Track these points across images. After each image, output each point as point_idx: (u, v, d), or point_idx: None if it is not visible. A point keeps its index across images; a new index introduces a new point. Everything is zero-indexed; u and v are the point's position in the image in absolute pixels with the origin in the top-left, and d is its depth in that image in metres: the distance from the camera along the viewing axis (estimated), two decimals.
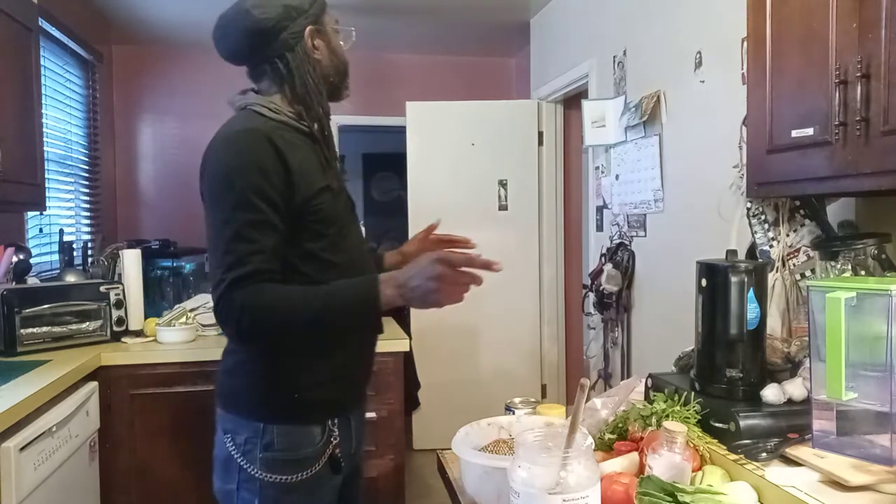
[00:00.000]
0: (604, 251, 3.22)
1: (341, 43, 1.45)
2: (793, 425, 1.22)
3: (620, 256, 3.03)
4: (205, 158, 1.30)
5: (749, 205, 1.73)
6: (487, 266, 1.17)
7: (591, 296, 3.27)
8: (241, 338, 1.24)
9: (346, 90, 1.49)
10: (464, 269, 1.16)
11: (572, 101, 3.95)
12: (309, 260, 1.30)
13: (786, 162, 1.42)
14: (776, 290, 1.61)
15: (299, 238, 1.28)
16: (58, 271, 2.88)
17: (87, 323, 2.46)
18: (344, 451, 1.39)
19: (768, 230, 1.68)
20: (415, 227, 4.08)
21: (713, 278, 1.34)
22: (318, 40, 1.39)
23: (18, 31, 2.39)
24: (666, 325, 2.66)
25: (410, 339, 2.67)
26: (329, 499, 1.39)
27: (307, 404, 1.33)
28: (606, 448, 1.27)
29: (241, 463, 1.31)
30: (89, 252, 2.98)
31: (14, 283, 2.50)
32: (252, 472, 1.30)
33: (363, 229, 3.07)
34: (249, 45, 1.35)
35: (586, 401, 1.18)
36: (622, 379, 2.84)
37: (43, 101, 2.71)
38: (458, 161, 4.07)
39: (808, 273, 1.58)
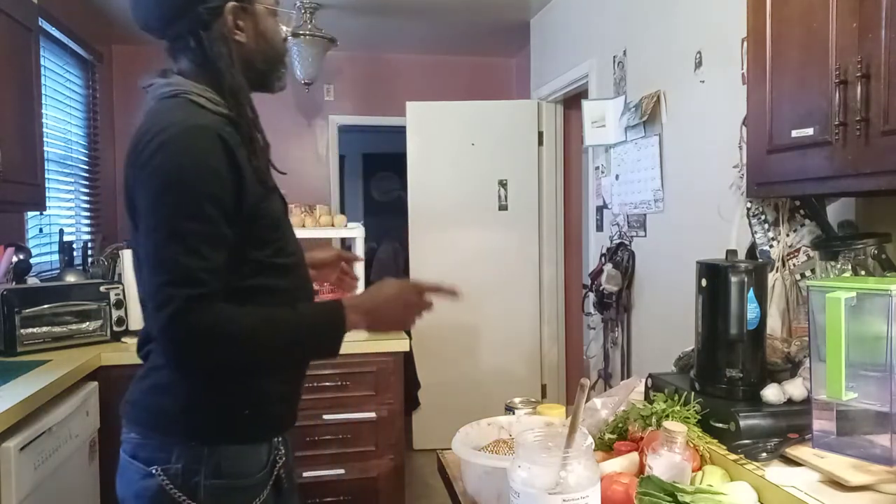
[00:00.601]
0: (604, 251, 3.22)
1: (283, 28, 1.27)
2: (793, 425, 1.22)
3: (620, 256, 3.03)
4: (139, 152, 1.09)
5: (749, 205, 1.73)
6: (452, 293, 1.20)
7: (591, 296, 3.27)
8: (192, 363, 1.08)
9: (278, 81, 1.28)
10: (440, 288, 1.19)
11: (572, 101, 3.95)
12: (259, 270, 1.16)
13: (786, 162, 1.42)
14: (776, 290, 1.61)
15: (246, 248, 1.14)
16: (58, 271, 2.88)
17: (87, 323, 2.46)
18: (286, 471, 1.26)
19: (768, 230, 1.68)
20: (415, 227, 4.08)
21: (713, 278, 1.34)
22: (242, 20, 1.19)
23: (18, 31, 2.39)
24: (666, 325, 2.66)
25: (410, 339, 2.67)
26: None
27: (257, 421, 1.18)
28: (606, 448, 1.27)
29: (178, 497, 1.11)
30: (89, 252, 2.98)
31: (14, 283, 2.50)
32: (202, 499, 1.12)
33: (363, 229, 3.10)
34: (161, 16, 1.18)
35: (586, 401, 1.18)
36: (622, 379, 2.84)
37: (43, 101, 2.71)
38: (458, 161, 4.07)
39: (808, 273, 1.58)
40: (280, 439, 1.24)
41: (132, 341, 2.52)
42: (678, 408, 1.26)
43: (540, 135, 4.12)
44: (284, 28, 1.26)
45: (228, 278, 1.10)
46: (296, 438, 1.39)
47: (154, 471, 1.13)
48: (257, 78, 1.24)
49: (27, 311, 2.29)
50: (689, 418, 1.24)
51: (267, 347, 1.11)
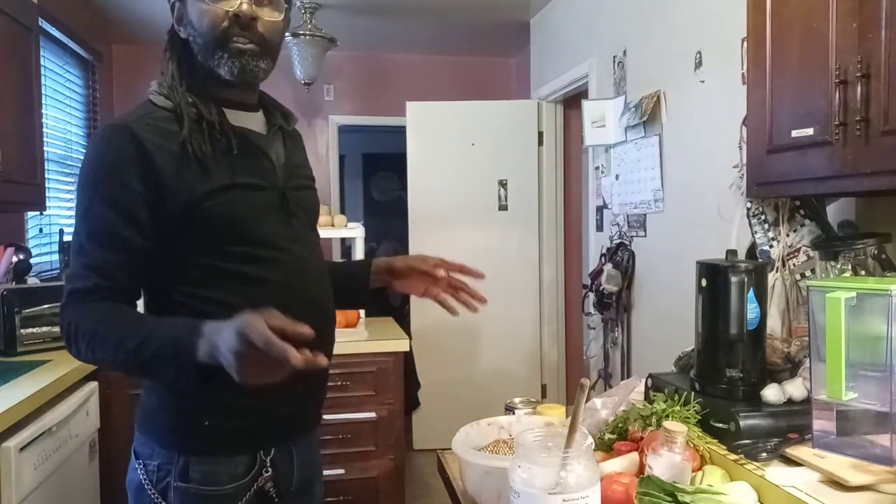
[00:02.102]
0: (604, 251, 3.22)
1: (221, 8, 1.11)
2: (793, 425, 1.22)
3: (620, 256, 3.03)
4: None
5: (749, 205, 1.73)
6: (302, 336, 0.91)
7: (591, 296, 3.27)
8: (77, 357, 1.08)
9: (222, 69, 1.13)
10: (272, 346, 0.88)
11: (572, 101, 3.95)
12: (199, 274, 1.11)
13: (786, 162, 1.42)
14: (776, 290, 1.61)
15: (190, 251, 1.10)
16: (58, 271, 2.88)
17: None
18: (282, 487, 1.18)
19: (768, 230, 1.68)
20: (415, 227, 4.08)
21: (713, 278, 1.34)
22: (182, 13, 1.16)
23: (18, 31, 2.39)
24: (666, 325, 2.66)
25: (410, 339, 2.67)
26: None
27: (221, 433, 1.13)
28: (606, 448, 1.27)
29: (152, 495, 1.12)
30: None
31: (14, 283, 2.50)
32: None
33: (363, 229, 3.09)
34: None
35: (586, 401, 1.18)
36: (622, 379, 2.84)
37: (43, 101, 2.71)
38: (458, 161, 4.07)
39: (808, 273, 1.58)
40: (268, 452, 1.16)
41: None
42: (678, 408, 1.26)
43: (540, 135, 4.12)
44: (219, 9, 1.10)
45: (161, 280, 1.11)
46: None
47: (138, 465, 1.14)
48: (207, 71, 1.15)
49: (27, 311, 2.29)
50: (689, 418, 1.24)
51: (103, 355, 1.05)
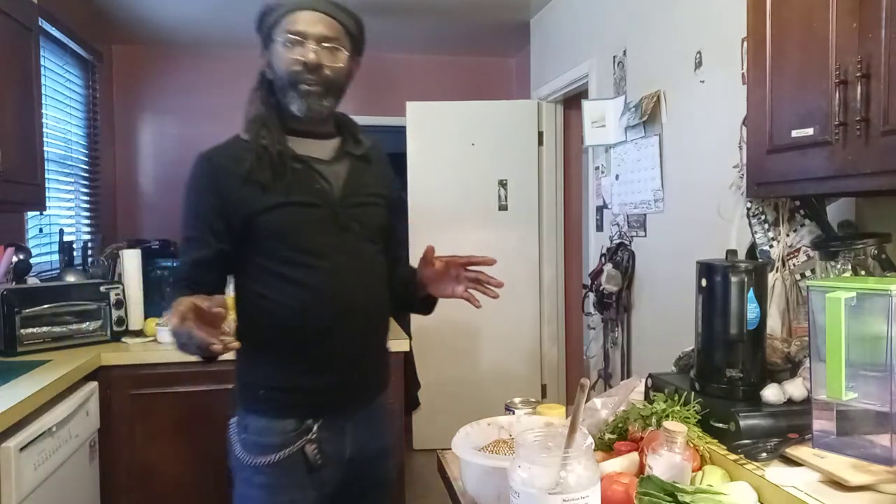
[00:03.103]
0: (604, 251, 3.22)
1: (295, 56, 1.35)
2: (793, 425, 1.22)
3: (620, 256, 3.03)
4: None
5: (749, 205, 1.73)
6: (215, 317, 1.12)
7: (591, 296, 3.27)
8: None
9: (295, 107, 1.38)
10: (179, 334, 1.12)
11: (572, 101, 3.95)
12: (258, 274, 1.39)
13: (786, 162, 1.42)
14: (776, 290, 1.61)
15: (251, 252, 1.39)
16: (58, 271, 2.88)
17: (87, 323, 2.46)
18: (329, 454, 1.41)
19: (768, 230, 1.68)
20: (415, 227, 4.07)
21: (713, 278, 1.34)
22: (268, 57, 1.41)
23: (18, 31, 2.39)
24: (666, 325, 2.66)
25: (410, 339, 2.67)
26: (299, 493, 1.40)
27: (272, 401, 1.40)
28: (606, 448, 1.27)
29: (233, 443, 1.43)
30: (89, 252, 2.98)
31: (14, 283, 2.50)
32: (237, 453, 1.42)
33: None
34: None
35: (586, 401, 1.18)
36: (622, 379, 2.84)
37: (43, 101, 2.71)
38: (458, 161, 4.07)
39: (808, 273, 1.58)
40: (316, 421, 1.40)
41: (132, 341, 2.52)
42: (678, 408, 1.26)
43: (540, 135, 4.12)
44: (294, 57, 1.34)
45: (236, 276, 1.44)
46: None
47: (231, 421, 1.46)
48: (284, 107, 1.39)
49: (27, 311, 2.29)
50: (689, 418, 1.24)
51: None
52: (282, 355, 1.40)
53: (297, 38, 1.35)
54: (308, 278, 1.37)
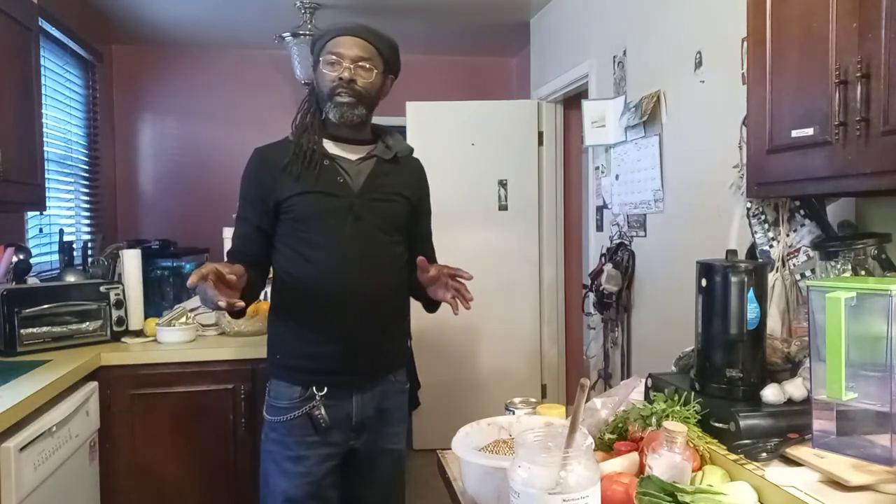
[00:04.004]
0: (604, 251, 3.22)
1: (330, 74, 1.66)
2: (793, 425, 1.22)
3: (620, 256, 3.03)
4: None
5: (749, 205, 1.73)
6: (226, 279, 1.41)
7: (591, 296, 3.27)
8: None
9: (330, 115, 1.67)
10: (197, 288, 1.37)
11: (572, 101, 3.95)
12: (285, 252, 1.67)
13: (786, 162, 1.42)
14: (776, 290, 1.61)
15: (282, 232, 1.67)
16: (58, 271, 2.88)
17: (87, 323, 2.46)
18: (337, 419, 1.65)
19: (768, 230, 1.68)
20: None
21: (713, 278, 1.34)
22: (315, 76, 1.72)
23: (18, 31, 2.39)
24: (666, 325, 2.66)
25: (410, 338, 2.67)
26: (308, 450, 1.64)
27: (282, 367, 1.69)
28: (606, 448, 1.27)
29: (265, 403, 1.73)
30: (89, 252, 2.98)
31: (14, 283, 2.50)
32: (264, 411, 1.72)
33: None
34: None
35: (586, 401, 1.18)
36: (622, 379, 2.84)
37: (43, 101, 2.71)
38: (458, 161, 4.07)
39: (808, 273, 1.58)
40: (321, 388, 1.63)
41: (132, 341, 2.52)
42: (678, 408, 1.26)
43: (540, 135, 4.12)
44: (332, 74, 1.65)
45: (269, 251, 1.71)
46: None
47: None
48: (325, 115, 1.69)
49: (27, 311, 2.29)
50: (689, 418, 1.24)
51: None
52: (296, 328, 1.67)
53: (336, 58, 1.64)
54: (321, 258, 1.63)
